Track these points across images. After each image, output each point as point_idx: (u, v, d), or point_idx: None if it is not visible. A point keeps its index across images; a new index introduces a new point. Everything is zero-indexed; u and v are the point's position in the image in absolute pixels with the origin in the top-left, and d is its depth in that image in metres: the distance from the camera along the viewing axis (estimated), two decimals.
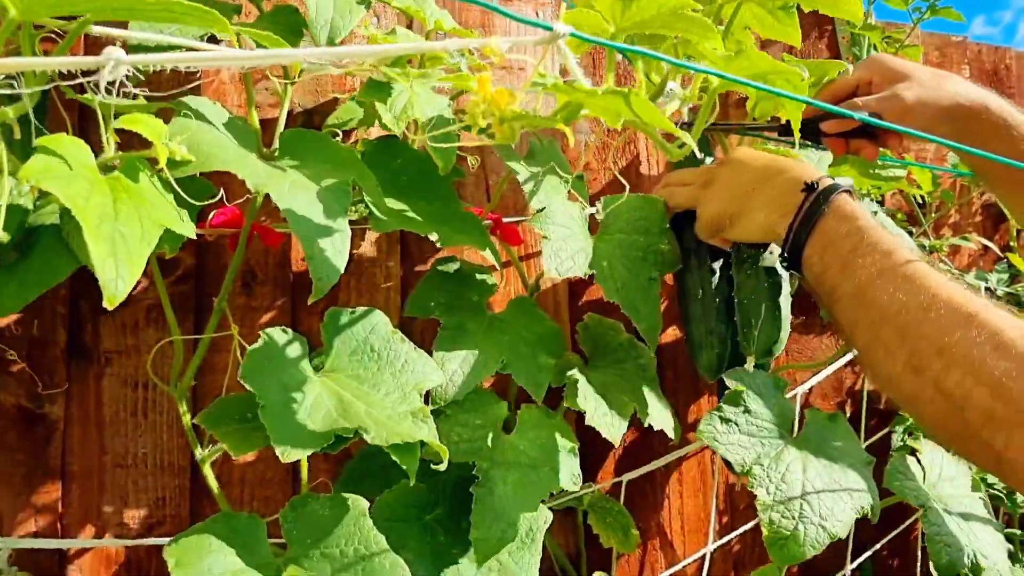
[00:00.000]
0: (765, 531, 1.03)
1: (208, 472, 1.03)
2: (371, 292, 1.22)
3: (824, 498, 1.07)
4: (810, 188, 0.99)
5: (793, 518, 1.04)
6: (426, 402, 0.99)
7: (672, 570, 1.35)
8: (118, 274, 0.65)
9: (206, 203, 0.90)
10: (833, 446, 1.15)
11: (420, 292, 1.09)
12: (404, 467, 0.88)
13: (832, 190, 0.98)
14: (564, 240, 1.04)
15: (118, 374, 1.11)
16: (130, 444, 1.10)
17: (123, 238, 0.65)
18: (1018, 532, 1.52)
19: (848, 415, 1.55)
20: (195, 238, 1.10)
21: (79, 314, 1.10)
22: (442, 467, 0.93)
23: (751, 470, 1.07)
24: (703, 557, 1.36)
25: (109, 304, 0.65)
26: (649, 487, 1.38)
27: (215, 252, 1.15)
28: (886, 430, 1.54)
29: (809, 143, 1.19)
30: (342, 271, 0.83)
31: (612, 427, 1.06)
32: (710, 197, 1.12)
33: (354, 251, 1.21)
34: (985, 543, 1.24)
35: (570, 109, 0.80)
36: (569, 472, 1.04)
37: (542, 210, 1.04)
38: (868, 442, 1.52)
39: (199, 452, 1.02)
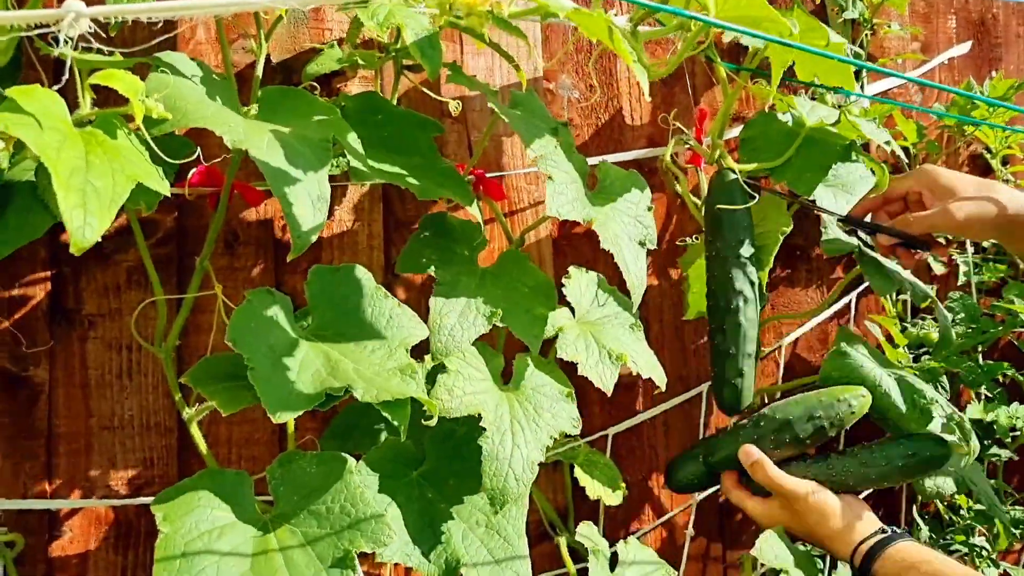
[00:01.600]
0: None
1: (195, 431, 1.03)
2: (354, 252, 1.21)
3: None
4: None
5: None
6: (419, 359, 0.99)
7: (660, 521, 1.37)
8: (86, 222, 0.65)
9: (184, 161, 0.89)
10: None
11: (411, 248, 1.08)
12: (395, 423, 0.88)
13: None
14: (566, 184, 1.04)
15: (102, 337, 1.10)
16: (116, 406, 1.10)
17: (94, 190, 0.65)
18: None
19: None
20: (174, 198, 1.11)
21: (60, 278, 1.09)
22: (432, 423, 0.93)
23: None
24: (690, 507, 1.38)
25: (75, 250, 0.65)
26: (636, 440, 1.39)
27: (196, 213, 1.14)
28: None
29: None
30: (322, 228, 0.83)
31: (604, 376, 1.06)
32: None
33: (336, 210, 1.21)
34: None
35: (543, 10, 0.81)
36: (568, 416, 1.04)
37: (550, 157, 1.04)
38: None
39: (187, 412, 1.02)
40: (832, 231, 1.33)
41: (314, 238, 0.82)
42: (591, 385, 1.34)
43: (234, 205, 1.15)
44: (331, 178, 0.88)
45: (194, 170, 1.05)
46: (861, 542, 1.17)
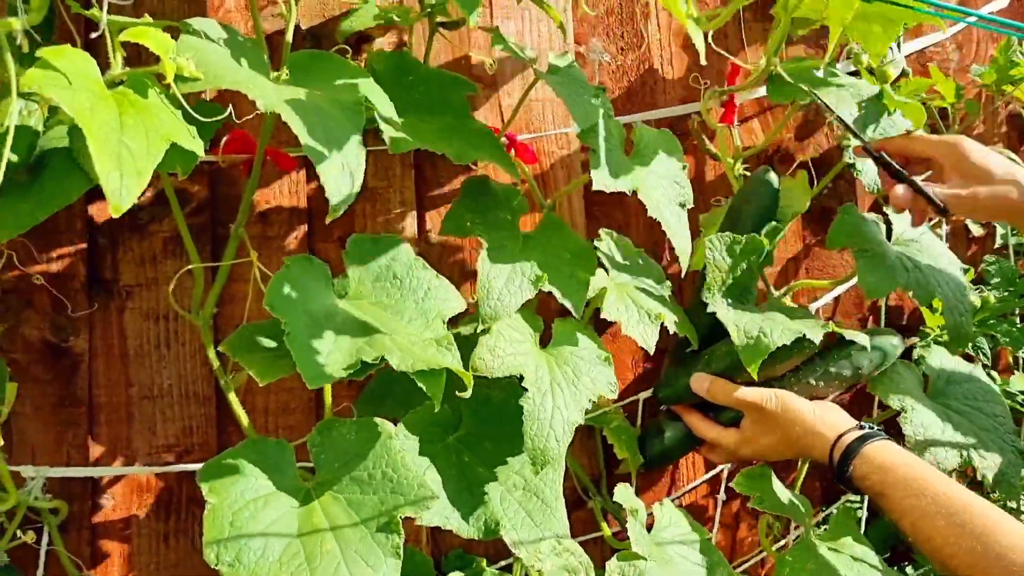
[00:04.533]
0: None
1: (233, 399, 1.04)
2: (386, 218, 1.20)
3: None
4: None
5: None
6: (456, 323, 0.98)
7: (691, 486, 1.36)
8: (122, 184, 0.65)
9: (218, 125, 0.89)
10: None
11: (455, 212, 1.08)
12: (429, 393, 0.88)
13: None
14: (609, 153, 1.03)
15: (139, 307, 1.11)
16: (155, 375, 1.11)
17: (128, 151, 0.65)
18: None
19: None
20: (207, 167, 1.11)
21: (97, 249, 1.09)
22: (467, 395, 0.93)
23: None
24: (720, 472, 1.37)
25: (114, 212, 0.65)
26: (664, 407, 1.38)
27: (228, 181, 1.14)
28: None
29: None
30: (358, 190, 0.82)
31: (646, 335, 1.06)
32: (743, 447, 1.21)
33: (367, 177, 1.20)
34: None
35: None
36: (607, 380, 1.04)
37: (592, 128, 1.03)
38: None
39: (224, 380, 1.03)
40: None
41: (350, 200, 0.81)
42: (625, 351, 1.34)
43: (268, 171, 1.15)
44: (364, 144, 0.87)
45: (227, 137, 1.05)
46: (838, 438, 1.12)
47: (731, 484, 1.21)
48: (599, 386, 1.04)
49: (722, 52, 1.37)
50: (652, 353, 1.08)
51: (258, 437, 0.94)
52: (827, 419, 1.15)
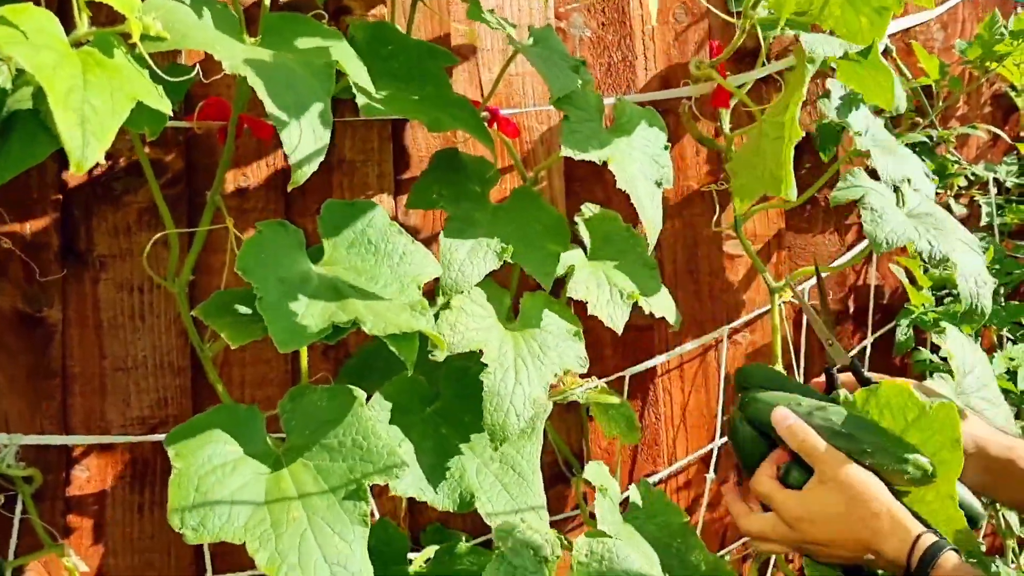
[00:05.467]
0: None
1: (210, 368, 1.04)
2: (363, 192, 1.20)
3: None
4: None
5: None
6: (430, 298, 0.98)
7: (677, 465, 1.36)
8: (85, 142, 0.64)
9: (186, 87, 0.88)
10: None
11: (422, 184, 1.07)
12: (403, 357, 0.87)
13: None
14: (581, 122, 1.02)
15: (113, 278, 1.10)
16: (129, 347, 1.10)
17: (93, 109, 0.64)
18: None
19: (852, 309, 1.54)
20: (182, 135, 1.10)
21: (71, 219, 1.09)
22: (440, 357, 0.92)
23: None
24: (709, 452, 1.37)
25: (75, 170, 0.64)
26: (651, 384, 1.38)
27: (205, 152, 1.13)
28: (891, 324, 1.53)
29: None
30: (322, 156, 0.82)
31: (614, 316, 1.05)
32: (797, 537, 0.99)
33: (345, 150, 1.19)
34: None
35: None
36: (575, 355, 1.04)
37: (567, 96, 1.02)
38: (875, 336, 1.52)
39: (201, 348, 1.02)
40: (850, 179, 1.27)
41: (314, 166, 0.81)
42: (603, 326, 1.34)
43: (245, 143, 1.14)
44: (339, 115, 0.86)
45: (202, 104, 1.04)
46: (918, 537, 0.92)
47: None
48: (567, 360, 1.03)
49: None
50: (620, 333, 1.07)
51: (229, 403, 0.93)
52: (900, 512, 0.94)
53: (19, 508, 1.02)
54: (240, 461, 0.87)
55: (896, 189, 1.27)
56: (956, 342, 1.32)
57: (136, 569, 1.09)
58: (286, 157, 1.15)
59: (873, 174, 1.28)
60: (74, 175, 1.08)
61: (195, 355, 1.09)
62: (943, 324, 1.38)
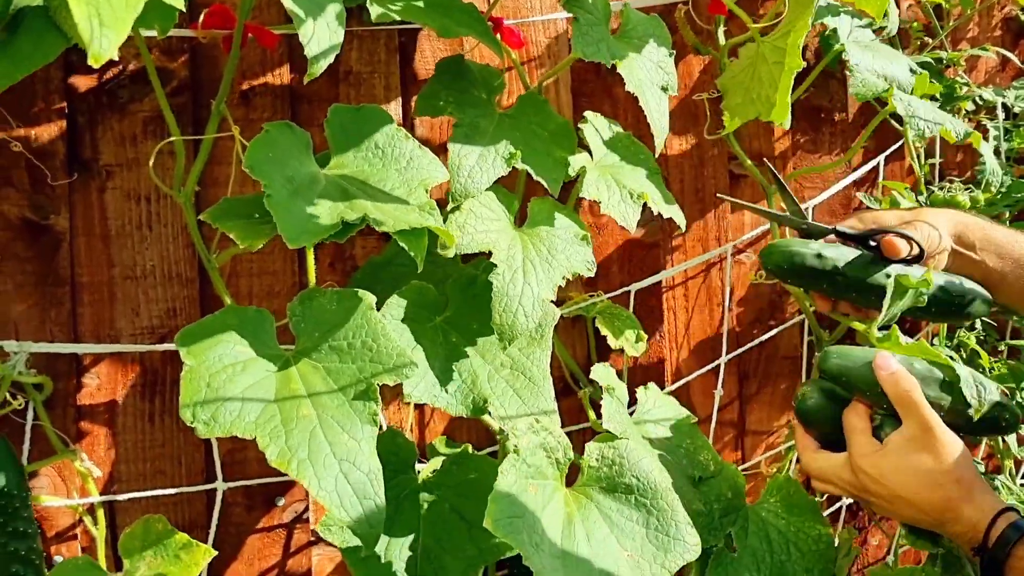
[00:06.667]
0: None
1: (216, 277, 1.04)
2: (371, 103, 1.19)
3: None
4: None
5: None
6: (441, 207, 0.98)
7: (685, 380, 1.37)
8: (101, 33, 0.63)
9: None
10: None
11: (429, 91, 1.07)
12: (412, 252, 0.88)
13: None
14: (591, 26, 1.02)
15: (120, 187, 1.10)
16: (137, 256, 1.10)
17: (107, 1, 0.63)
18: None
19: None
20: (187, 44, 1.09)
21: (76, 128, 1.08)
22: (450, 253, 0.93)
23: None
24: (717, 368, 1.38)
25: (93, 62, 0.63)
26: (655, 301, 1.39)
27: (210, 62, 1.12)
28: None
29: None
30: (337, 50, 0.81)
31: (627, 214, 1.06)
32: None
33: (352, 62, 1.18)
34: None
35: None
36: (583, 259, 1.04)
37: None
38: None
39: (207, 258, 1.03)
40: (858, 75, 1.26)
41: (330, 59, 0.80)
42: (612, 244, 1.34)
43: (250, 54, 1.13)
44: (346, 26, 0.85)
45: (206, 11, 1.03)
46: (1000, 513, 0.89)
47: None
48: (575, 264, 1.04)
49: None
50: (632, 233, 1.07)
51: (238, 306, 0.93)
52: (982, 484, 0.93)
53: (31, 415, 1.03)
54: (250, 361, 0.88)
55: None
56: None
57: (147, 476, 1.11)
58: (292, 68, 1.16)
59: None
60: (81, 80, 1.07)
61: (203, 266, 1.09)
62: None
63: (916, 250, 1.03)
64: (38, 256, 1.06)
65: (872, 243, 1.06)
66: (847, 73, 1.32)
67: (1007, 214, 1.55)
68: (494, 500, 0.90)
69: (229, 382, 0.84)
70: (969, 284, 1.05)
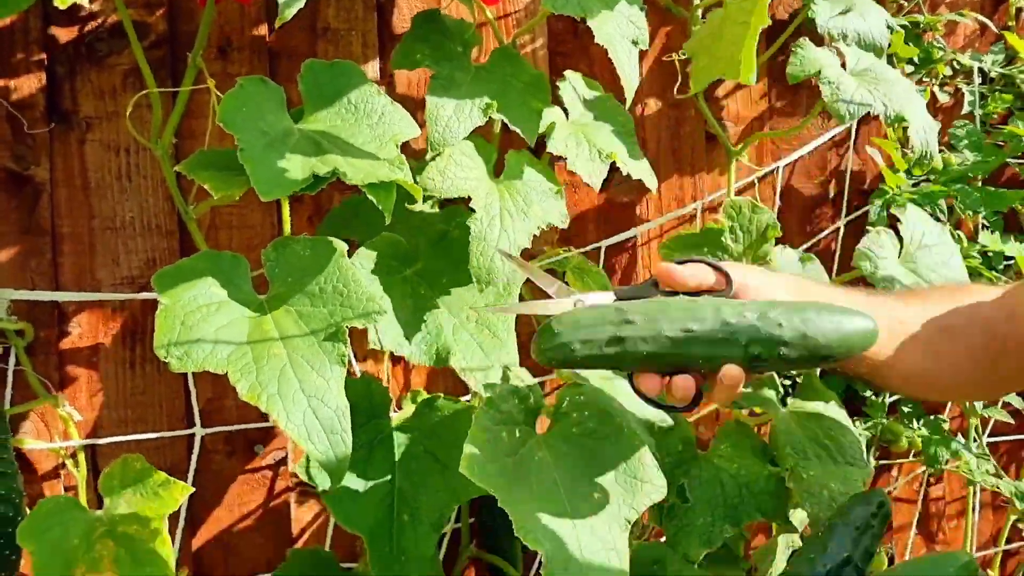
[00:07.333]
0: None
1: (194, 229, 1.06)
2: (349, 59, 1.21)
3: None
4: None
5: None
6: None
7: None
8: None
9: None
10: None
11: (404, 45, 1.09)
12: (381, 206, 0.90)
13: None
14: None
15: (100, 139, 1.12)
16: (117, 207, 1.12)
17: None
18: None
19: (832, 195, 1.56)
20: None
21: (56, 79, 1.10)
22: (416, 207, 0.95)
23: None
24: None
25: (60, 3, 0.65)
26: (631, 259, 1.41)
27: (189, 16, 1.14)
28: (866, 207, 1.55)
29: None
30: None
31: (593, 172, 1.08)
32: None
33: (329, 19, 1.20)
34: None
35: None
36: (558, 211, 1.07)
37: None
38: (850, 218, 1.54)
39: (185, 210, 1.05)
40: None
41: (300, 4, 0.82)
42: (587, 203, 1.36)
43: (228, 8, 1.15)
44: None
45: None
46: None
47: None
48: (550, 216, 1.06)
49: None
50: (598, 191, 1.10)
51: (214, 251, 0.96)
52: None
53: (12, 361, 1.05)
54: (224, 304, 0.90)
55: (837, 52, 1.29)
56: (913, 215, 1.36)
57: (129, 422, 1.14)
58: (270, 24, 1.18)
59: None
60: (60, 32, 1.09)
61: (183, 219, 1.11)
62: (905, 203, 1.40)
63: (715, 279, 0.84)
64: (19, 206, 1.08)
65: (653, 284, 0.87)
66: (823, 37, 1.33)
67: (981, 176, 1.58)
68: (471, 439, 0.92)
69: (203, 321, 0.87)
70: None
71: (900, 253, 1.34)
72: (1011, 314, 0.90)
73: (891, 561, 1.58)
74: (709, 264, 0.86)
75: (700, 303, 0.81)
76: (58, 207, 1.10)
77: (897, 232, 1.36)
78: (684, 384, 0.82)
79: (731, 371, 0.80)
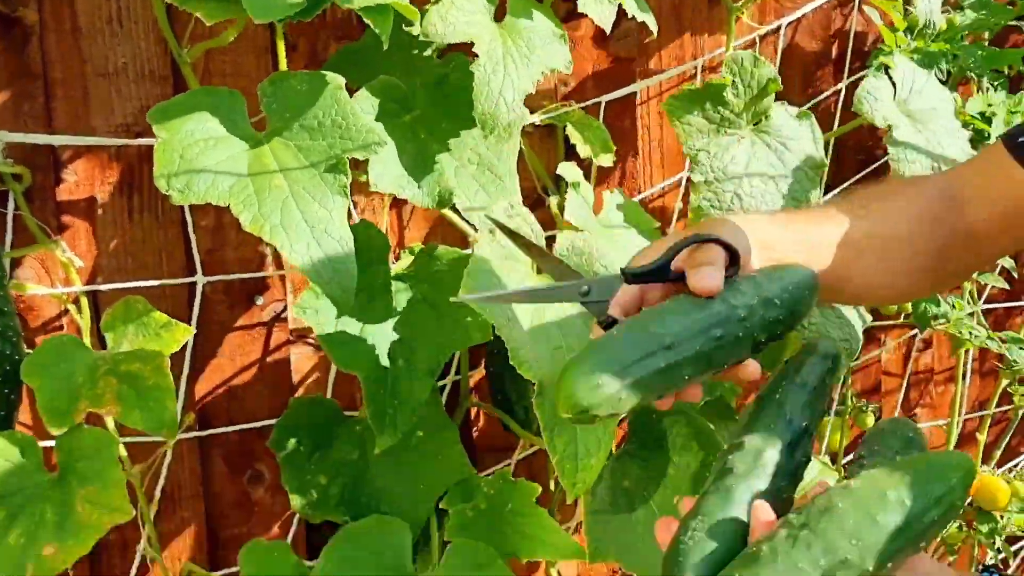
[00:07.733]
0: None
1: (188, 73, 1.05)
2: None
3: None
4: None
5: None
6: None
7: (651, 190, 1.40)
8: None
9: None
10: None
11: None
12: (377, 29, 0.88)
13: None
14: None
15: None
16: (109, 53, 1.10)
17: None
18: None
19: (834, 56, 1.54)
20: None
21: None
22: (414, 30, 0.93)
23: None
24: (679, 182, 1.41)
25: None
26: (630, 118, 1.40)
27: None
28: (865, 71, 1.54)
29: None
30: None
31: (602, 13, 1.07)
32: None
33: None
34: (949, 147, 1.28)
35: None
36: (562, 56, 1.05)
37: None
38: (851, 79, 1.53)
39: (179, 54, 1.03)
40: None
41: None
42: (588, 60, 1.35)
43: None
44: None
45: None
46: None
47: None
48: (554, 61, 1.05)
49: None
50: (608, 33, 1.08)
51: (210, 87, 0.95)
52: None
53: (11, 206, 1.05)
54: (223, 138, 0.90)
55: None
56: (902, 64, 1.34)
57: (129, 270, 1.14)
58: None
59: None
60: None
61: (176, 64, 1.09)
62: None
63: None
64: (8, 49, 1.06)
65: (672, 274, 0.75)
66: None
67: (987, 35, 1.56)
68: (469, 274, 0.93)
69: (202, 155, 0.87)
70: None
71: (895, 94, 1.34)
72: (954, 202, 0.88)
73: (878, 418, 1.62)
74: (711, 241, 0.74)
75: (716, 308, 0.71)
76: (49, 52, 1.08)
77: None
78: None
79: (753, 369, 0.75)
